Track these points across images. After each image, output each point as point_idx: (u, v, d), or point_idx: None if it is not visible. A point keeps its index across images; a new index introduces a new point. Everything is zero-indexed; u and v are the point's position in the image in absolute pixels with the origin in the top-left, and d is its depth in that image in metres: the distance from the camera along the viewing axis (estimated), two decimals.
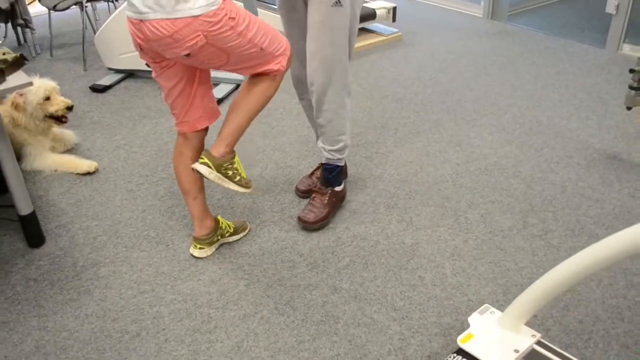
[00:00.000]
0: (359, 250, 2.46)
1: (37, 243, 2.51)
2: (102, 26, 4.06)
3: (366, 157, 3.15)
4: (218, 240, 2.46)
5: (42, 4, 4.55)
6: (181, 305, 2.18)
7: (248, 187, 2.25)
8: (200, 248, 2.43)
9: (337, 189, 2.65)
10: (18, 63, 2.22)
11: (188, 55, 1.91)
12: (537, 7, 5.80)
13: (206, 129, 2.29)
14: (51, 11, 4.55)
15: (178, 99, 2.17)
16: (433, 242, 2.50)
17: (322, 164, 2.65)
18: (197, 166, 2.11)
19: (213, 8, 1.84)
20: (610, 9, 4.40)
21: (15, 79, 2.17)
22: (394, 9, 4.87)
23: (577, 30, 5.09)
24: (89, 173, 3.04)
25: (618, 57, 4.43)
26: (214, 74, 4.03)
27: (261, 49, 2.03)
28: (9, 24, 4.67)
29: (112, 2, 4.71)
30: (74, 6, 4.43)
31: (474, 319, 1.87)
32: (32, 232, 2.49)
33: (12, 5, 4.09)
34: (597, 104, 3.67)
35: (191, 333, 2.07)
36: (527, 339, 1.78)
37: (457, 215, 2.67)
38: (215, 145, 2.15)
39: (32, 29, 4.50)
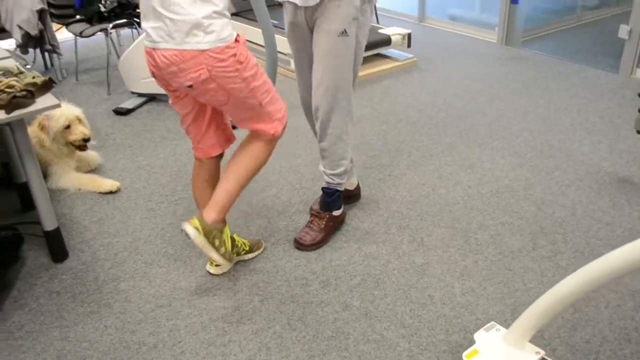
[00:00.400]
0: (370, 269, 2.53)
1: (60, 258, 2.61)
2: (126, 52, 4.22)
3: (379, 180, 3.23)
4: (233, 258, 2.53)
5: (69, 31, 4.73)
6: (197, 319, 2.26)
7: (230, 261, 2.45)
8: (216, 265, 2.50)
9: (335, 213, 2.71)
10: (47, 86, 2.34)
11: (190, 86, 1.99)
12: (551, 33, 5.88)
13: (221, 154, 2.39)
14: (77, 37, 4.73)
15: (192, 126, 2.28)
16: (443, 262, 2.55)
17: (322, 188, 2.71)
18: (187, 228, 2.20)
19: (221, 45, 1.93)
20: (623, 34, 4.46)
21: (44, 101, 2.29)
22: (409, 35, 4.98)
23: (591, 55, 5.15)
24: (111, 192, 3.15)
25: (631, 81, 4.48)
26: None
27: (260, 104, 2.11)
28: (37, 50, 4.85)
29: (136, 29, 4.88)
30: (99, 33, 4.60)
31: (479, 335, 1.92)
32: (56, 247, 2.59)
33: (41, 32, 4.27)
34: (610, 128, 3.72)
35: (206, 346, 2.14)
36: (531, 356, 1.82)
37: (468, 237, 2.72)
38: (207, 210, 2.23)
39: (59, 54, 4.68)
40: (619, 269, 1.53)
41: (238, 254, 2.54)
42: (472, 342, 2.09)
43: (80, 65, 5.18)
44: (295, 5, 2.36)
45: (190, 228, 2.19)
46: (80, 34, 4.57)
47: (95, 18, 4.56)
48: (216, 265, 2.50)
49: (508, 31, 5.45)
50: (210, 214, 2.23)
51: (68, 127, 3.15)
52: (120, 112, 4.19)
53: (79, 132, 3.18)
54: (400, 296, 2.36)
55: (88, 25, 4.59)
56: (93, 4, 4.56)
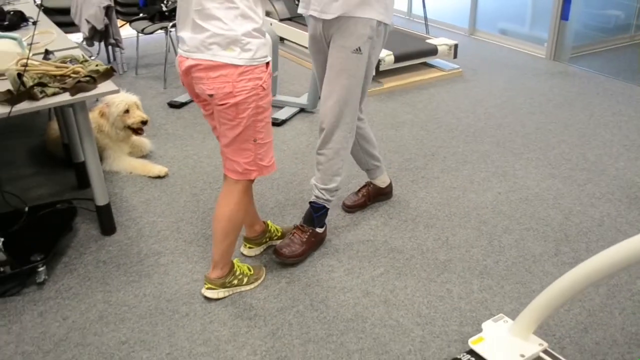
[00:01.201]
0: (394, 262, 2.66)
1: (109, 231, 2.84)
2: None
3: (412, 181, 3.35)
4: (266, 242, 2.72)
5: (132, 27, 5.03)
6: (227, 294, 2.44)
7: (259, 278, 2.51)
8: (249, 247, 2.69)
9: (318, 230, 2.71)
10: (107, 74, 2.57)
11: (211, 95, 2.03)
12: (601, 50, 5.87)
13: None
14: (139, 34, 5.02)
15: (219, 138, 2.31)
16: (465, 261, 2.66)
17: (310, 202, 2.72)
18: (205, 292, 2.40)
19: (254, 64, 1.99)
20: None
21: (105, 86, 2.52)
22: (456, 46, 5.08)
23: (638, 74, 5.13)
24: (159, 177, 3.38)
25: None
26: (279, 97, 4.38)
27: (254, 140, 2.13)
28: (102, 43, 5.18)
29: None
30: (159, 31, 4.88)
31: (487, 325, 2.03)
32: (106, 221, 2.82)
33: (106, 26, 4.57)
34: None
35: (233, 318, 2.32)
36: (534, 347, 1.92)
37: (492, 239, 2.82)
38: (212, 270, 2.38)
39: (121, 48, 4.98)
40: (617, 263, 1.62)
41: (270, 238, 2.72)
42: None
43: (140, 60, 5.49)
44: (314, 18, 2.45)
45: (208, 292, 2.40)
46: (142, 31, 4.86)
47: (157, 17, 4.85)
48: (249, 247, 2.69)
49: (557, 47, 5.48)
50: (217, 272, 2.38)
51: (127, 111, 3.40)
52: (173, 105, 4.45)
53: (137, 115, 3.43)
54: (419, 288, 2.49)
55: (150, 23, 4.89)
56: (155, 3, 4.86)
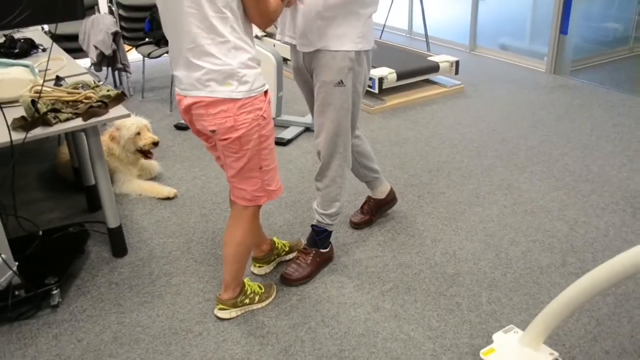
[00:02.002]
0: (403, 276, 2.69)
1: (120, 253, 2.88)
2: None
3: (418, 196, 3.39)
4: (275, 259, 2.77)
5: (138, 52, 5.12)
6: (240, 312, 2.47)
7: (270, 296, 2.54)
8: (259, 266, 2.74)
9: (323, 250, 2.74)
10: (119, 98, 2.63)
11: (213, 131, 2.05)
12: (600, 63, 5.93)
13: None
14: (145, 58, 5.10)
15: (223, 167, 2.33)
16: (473, 274, 2.69)
17: (312, 225, 2.74)
18: (217, 313, 2.44)
19: (254, 94, 2.01)
20: None
21: (116, 111, 2.58)
22: (457, 62, 5.15)
23: (638, 85, 5.18)
24: (168, 198, 3.43)
25: None
26: (284, 117, 4.44)
27: (260, 168, 2.15)
28: (109, 68, 5.26)
29: None
30: (165, 54, 4.96)
31: (498, 336, 2.06)
32: (117, 243, 2.87)
33: (114, 52, 4.65)
34: None
35: (246, 336, 2.35)
36: (545, 357, 1.95)
37: (499, 251, 2.85)
38: (224, 292, 2.42)
39: (128, 72, 5.06)
40: (624, 271, 1.66)
41: (279, 255, 2.77)
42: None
43: (146, 83, 5.57)
44: (295, 49, 2.46)
45: (221, 312, 2.43)
46: (148, 55, 4.94)
47: (163, 41, 4.92)
48: (259, 267, 2.72)
49: (557, 60, 5.54)
50: (227, 294, 2.42)
51: (138, 134, 3.47)
52: (180, 127, 4.51)
53: (148, 137, 3.50)
54: (429, 302, 2.51)
55: (156, 47, 4.97)
56: (161, 28, 4.93)
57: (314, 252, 2.71)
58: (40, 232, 2.74)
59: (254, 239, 2.40)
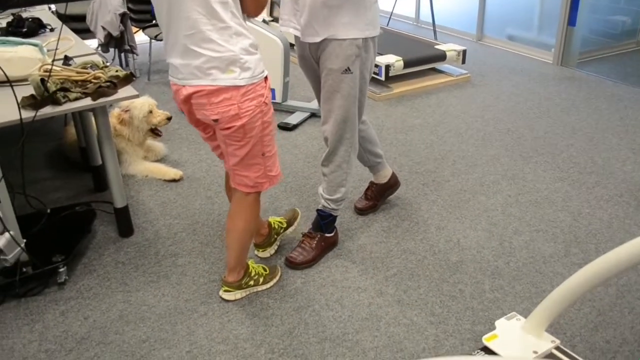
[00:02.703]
0: (406, 262, 2.71)
1: (127, 233, 2.90)
2: None
3: (423, 184, 3.40)
4: (276, 239, 2.78)
5: (145, 34, 5.11)
6: (245, 293, 2.49)
7: (274, 277, 2.55)
8: (263, 250, 2.75)
9: (327, 235, 2.76)
10: (128, 79, 2.64)
11: (216, 120, 2.02)
12: (608, 56, 5.92)
13: None
14: (152, 40, 5.10)
15: (221, 156, 2.37)
16: (476, 262, 2.71)
17: (317, 210, 2.77)
18: (223, 295, 2.46)
19: (255, 81, 1.99)
20: None
21: (125, 91, 2.58)
22: (464, 51, 5.14)
23: None
24: (174, 180, 3.45)
25: None
26: (290, 102, 4.44)
27: (263, 154, 2.14)
28: (116, 49, 5.26)
29: None
30: None
31: (500, 322, 2.07)
32: (123, 223, 2.89)
33: (121, 33, 4.65)
34: None
35: (251, 317, 2.37)
36: (547, 344, 1.96)
37: (502, 240, 2.87)
38: (229, 274, 2.43)
39: (135, 54, 5.06)
40: (625, 262, 1.67)
41: (278, 233, 2.77)
42: None
43: (152, 66, 5.56)
44: (297, 37, 2.47)
45: (225, 294, 2.45)
46: (155, 37, 4.94)
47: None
48: (262, 250, 2.74)
49: (564, 52, 5.53)
50: (232, 276, 2.43)
51: (150, 112, 3.50)
52: None
53: (161, 114, 3.56)
54: (432, 288, 2.54)
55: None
56: None
57: (319, 236, 2.73)
58: (48, 211, 2.76)
59: (256, 223, 2.41)
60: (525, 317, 2.16)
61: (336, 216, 2.76)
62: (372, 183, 3.13)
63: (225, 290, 2.47)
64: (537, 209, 3.13)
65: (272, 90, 4.37)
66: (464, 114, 4.44)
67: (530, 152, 3.78)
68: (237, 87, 1.95)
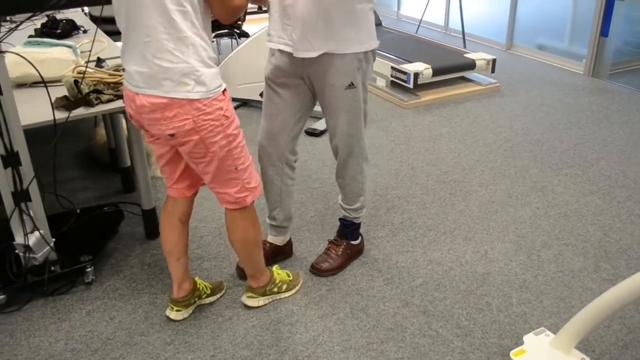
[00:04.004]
0: (433, 273, 2.68)
1: (153, 235, 2.92)
2: (225, 59, 4.57)
3: (451, 194, 3.37)
4: (195, 302, 2.44)
5: None
6: (269, 300, 2.49)
7: (297, 284, 2.54)
8: (177, 310, 2.39)
9: (353, 242, 2.74)
10: None
11: (172, 135, 1.92)
12: None
13: (196, 192, 2.30)
14: None
15: (166, 167, 2.18)
16: (504, 274, 2.67)
17: (340, 219, 2.72)
18: (246, 301, 2.42)
19: (211, 96, 1.88)
20: None
21: None
22: (494, 60, 5.09)
23: None
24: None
25: None
26: (317, 108, 4.43)
27: (236, 168, 2.05)
28: None
29: (235, 39, 5.24)
30: None
31: (528, 338, 2.05)
32: (151, 225, 2.90)
33: None
34: None
35: (275, 323, 2.36)
36: None
37: (531, 253, 2.82)
38: (251, 281, 2.39)
39: None
40: None
41: (199, 297, 2.46)
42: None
43: None
44: (288, 53, 2.27)
45: (249, 300, 2.43)
46: None
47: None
48: (177, 310, 2.39)
49: (596, 63, 5.45)
50: (256, 282, 2.39)
51: None
52: None
53: None
54: (458, 300, 2.51)
55: None
56: None
57: (344, 243, 2.72)
58: (78, 211, 2.79)
59: (257, 230, 2.26)
60: (553, 332, 2.13)
61: (359, 223, 2.73)
62: (265, 241, 2.71)
63: (249, 297, 2.45)
64: (566, 222, 3.08)
65: None
66: (493, 123, 4.40)
67: (560, 164, 3.73)
68: (191, 101, 1.85)
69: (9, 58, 2.22)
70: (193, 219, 3.07)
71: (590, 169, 3.66)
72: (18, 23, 2.19)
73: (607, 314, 1.81)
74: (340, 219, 2.73)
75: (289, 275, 2.54)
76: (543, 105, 4.78)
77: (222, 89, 1.95)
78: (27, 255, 2.40)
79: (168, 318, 2.39)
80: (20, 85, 2.71)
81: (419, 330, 2.34)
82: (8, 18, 3.25)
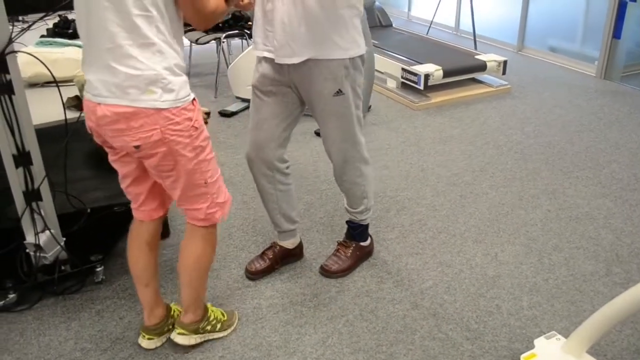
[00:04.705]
0: (442, 275, 2.67)
1: (163, 235, 2.87)
2: (235, 60, 4.58)
3: (461, 196, 3.36)
4: (168, 330, 2.28)
5: (186, 37, 5.16)
6: (278, 301, 2.49)
7: (232, 324, 2.32)
8: (149, 338, 2.25)
9: (363, 244, 2.72)
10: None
11: (138, 147, 1.80)
12: None
13: (164, 214, 2.19)
14: (193, 44, 5.15)
15: (131, 187, 2.05)
16: (514, 277, 2.66)
17: (347, 222, 2.70)
18: (176, 338, 2.17)
19: (179, 105, 1.77)
20: None
21: None
22: (505, 62, 5.07)
23: None
24: None
25: None
26: None
27: (205, 182, 1.94)
28: None
29: (246, 39, 5.26)
30: (212, 41, 5.00)
31: (539, 341, 2.03)
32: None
33: None
34: None
35: (284, 324, 2.36)
36: None
37: (541, 256, 2.80)
38: (185, 314, 2.17)
39: None
40: None
41: (173, 325, 2.27)
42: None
43: (192, 69, 5.63)
44: (272, 60, 2.24)
45: (180, 337, 2.18)
46: (196, 41, 4.98)
47: (211, 27, 4.97)
48: (149, 339, 2.25)
49: (608, 65, 5.42)
50: (189, 317, 2.18)
51: None
52: (224, 114, 4.55)
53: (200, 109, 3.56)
54: (468, 303, 2.49)
55: (203, 34, 5.01)
56: None
57: (354, 245, 2.70)
58: (89, 210, 2.80)
59: (213, 255, 2.16)
60: (564, 336, 2.11)
61: (367, 224, 2.70)
62: (275, 244, 2.73)
63: (180, 333, 2.20)
64: (577, 225, 3.06)
65: None
66: (504, 125, 4.37)
67: (571, 167, 3.70)
68: (158, 110, 1.74)
69: (21, 58, 2.23)
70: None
71: (601, 172, 3.63)
72: (30, 23, 2.21)
73: (619, 319, 1.79)
74: (347, 222, 2.71)
75: (223, 315, 2.33)
76: (554, 107, 4.75)
77: (192, 98, 1.84)
78: (37, 254, 2.41)
79: (140, 346, 2.25)
80: (32, 85, 2.72)
81: (428, 333, 2.32)
82: (20, 18, 3.27)
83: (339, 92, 2.24)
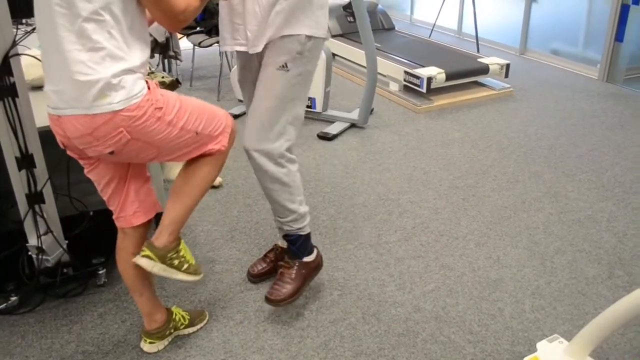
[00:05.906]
0: (445, 278, 2.66)
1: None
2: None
3: (463, 199, 3.36)
4: (171, 333, 2.30)
5: (189, 40, 5.18)
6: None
7: (197, 274, 2.12)
8: (150, 342, 2.25)
9: (307, 259, 2.42)
10: (173, 85, 2.68)
11: (112, 153, 1.76)
12: None
13: (147, 223, 2.13)
14: (196, 47, 5.16)
15: (112, 196, 2.03)
16: (517, 280, 2.65)
17: (283, 236, 2.45)
18: (139, 260, 1.98)
19: (135, 101, 1.70)
20: None
21: None
22: (507, 65, 5.07)
23: None
24: (214, 187, 3.47)
25: None
26: (330, 112, 4.44)
27: (196, 133, 1.88)
28: (160, 55, 5.34)
29: None
30: (215, 44, 5.01)
31: (542, 345, 2.02)
32: None
33: (167, 39, 4.72)
34: None
35: (286, 328, 2.36)
36: None
37: (544, 259, 2.80)
38: (157, 235, 2.02)
39: (180, 60, 5.13)
40: None
41: (176, 328, 2.30)
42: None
43: (195, 72, 5.64)
44: (243, 52, 2.23)
45: (143, 259, 1.98)
46: (199, 44, 5.00)
47: (214, 30, 4.98)
48: (150, 343, 2.25)
49: (610, 68, 5.41)
50: (162, 238, 2.01)
51: None
52: None
53: None
54: (471, 306, 2.49)
55: (206, 37, 5.03)
56: (213, 18, 4.99)
57: (297, 264, 2.40)
58: (91, 213, 2.80)
59: (218, 174, 2.09)
60: (567, 339, 2.11)
61: (307, 234, 2.41)
62: (276, 245, 2.66)
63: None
64: (580, 228, 3.06)
65: (313, 100, 4.38)
66: (506, 128, 4.37)
67: (574, 170, 3.70)
68: (115, 113, 1.67)
69: (25, 60, 2.24)
70: (205, 222, 3.10)
71: (604, 175, 3.63)
72: (34, 26, 2.21)
73: (621, 322, 1.79)
74: (284, 237, 2.44)
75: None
76: (557, 110, 4.75)
77: (145, 90, 1.74)
78: (40, 257, 2.42)
79: (141, 349, 2.26)
80: (36, 87, 2.72)
81: (430, 336, 2.32)
82: (24, 21, 3.27)
83: (284, 67, 2.12)
